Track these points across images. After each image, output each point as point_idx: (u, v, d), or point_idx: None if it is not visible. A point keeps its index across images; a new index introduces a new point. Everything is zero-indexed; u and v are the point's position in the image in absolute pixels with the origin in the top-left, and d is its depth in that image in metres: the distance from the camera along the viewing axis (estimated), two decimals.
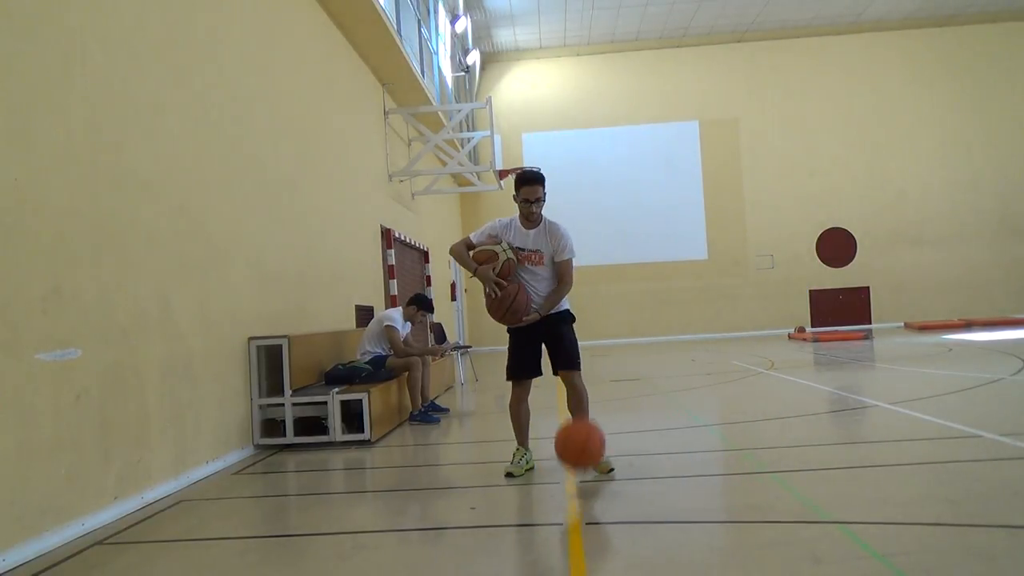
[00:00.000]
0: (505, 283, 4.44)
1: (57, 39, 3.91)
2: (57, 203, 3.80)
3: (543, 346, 4.61)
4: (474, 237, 4.68)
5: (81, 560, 3.42)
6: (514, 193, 4.58)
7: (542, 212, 4.61)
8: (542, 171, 4.71)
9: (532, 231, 4.58)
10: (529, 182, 4.53)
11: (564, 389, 4.66)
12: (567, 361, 4.56)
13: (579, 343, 4.66)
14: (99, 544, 3.64)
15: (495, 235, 4.63)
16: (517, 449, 4.65)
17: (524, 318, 4.47)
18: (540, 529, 3.57)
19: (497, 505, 4.13)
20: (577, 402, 4.57)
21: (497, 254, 4.49)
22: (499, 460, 5.12)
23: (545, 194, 4.57)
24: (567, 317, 4.66)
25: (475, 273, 4.52)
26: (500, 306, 4.45)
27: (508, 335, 4.67)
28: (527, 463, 4.62)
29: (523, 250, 4.54)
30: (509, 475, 4.48)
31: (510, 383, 4.69)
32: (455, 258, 4.70)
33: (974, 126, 21.17)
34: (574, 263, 4.62)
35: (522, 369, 4.60)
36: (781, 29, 21.20)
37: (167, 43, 5.07)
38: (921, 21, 21.14)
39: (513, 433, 4.71)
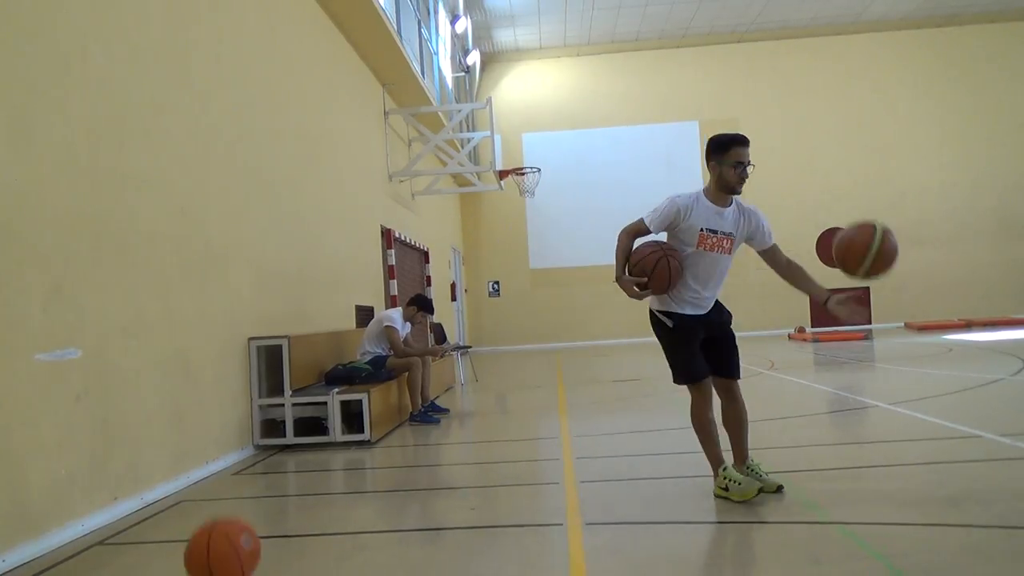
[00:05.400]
0: (644, 280, 3.66)
1: (58, 39, 3.91)
2: (57, 203, 3.80)
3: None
4: (648, 219, 3.79)
5: (81, 560, 3.42)
6: (714, 161, 3.73)
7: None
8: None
9: (727, 210, 3.77)
10: (740, 142, 3.71)
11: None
12: (736, 368, 3.95)
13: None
14: (99, 544, 3.64)
15: (670, 220, 3.75)
16: (723, 468, 3.79)
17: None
18: (540, 529, 3.56)
19: (497, 505, 4.13)
20: (738, 420, 3.94)
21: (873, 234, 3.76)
22: (499, 460, 5.13)
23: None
24: (728, 315, 4.03)
25: (619, 279, 3.76)
26: (658, 285, 3.68)
27: (668, 332, 3.85)
28: (751, 481, 3.72)
29: (714, 233, 3.73)
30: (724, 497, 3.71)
31: (687, 387, 3.88)
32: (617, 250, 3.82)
33: (974, 126, 21.16)
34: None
35: (702, 367, 3.81)
36: (781, 29, 21.20)
37: (168, 43, 5.07)
38: (921, 21, 21.13)
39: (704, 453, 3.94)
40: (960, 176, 21.13)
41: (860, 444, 5.44)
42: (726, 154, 3.69)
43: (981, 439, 4.87)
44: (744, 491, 3.63)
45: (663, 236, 3.88)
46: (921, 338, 15.58)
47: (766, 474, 3.86)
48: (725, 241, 3.76)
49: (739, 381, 3.99)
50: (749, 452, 3.96)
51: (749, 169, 3.73)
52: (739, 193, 3.79)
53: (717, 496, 3.74)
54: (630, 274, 3.71)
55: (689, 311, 3.81)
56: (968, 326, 18.00)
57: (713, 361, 3.88)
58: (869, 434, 5.80)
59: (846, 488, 4.01)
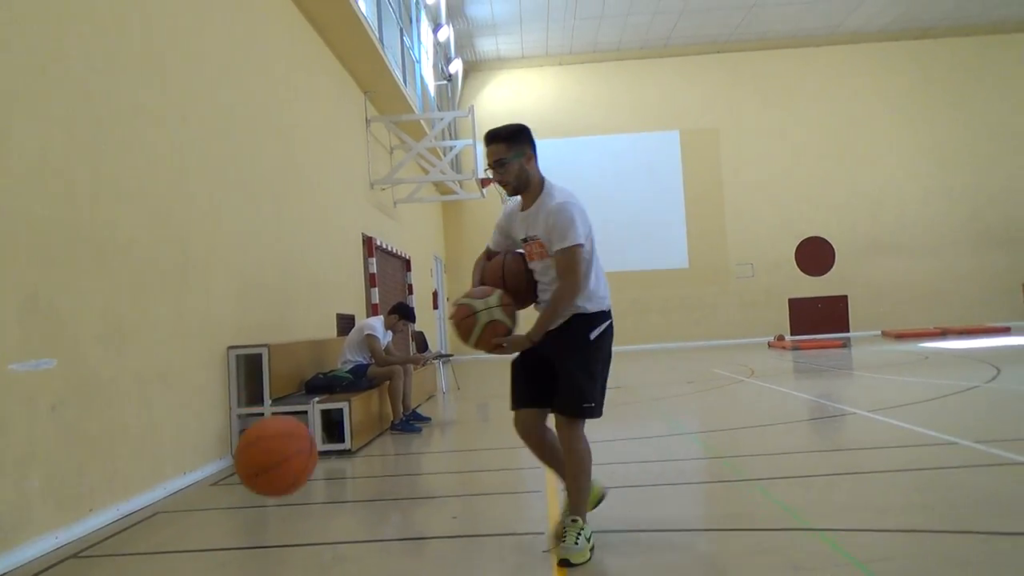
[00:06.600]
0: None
1: (34, 44, 3.87)
2: (33, 210, 3.74)
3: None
4: (491, 242, 3.48)
5: (54, 574, 3.36)
6: None
7: (544, 183, 3.25)
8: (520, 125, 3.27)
9: (530, 211, 3.24)
10: (486, 141, 3.23)
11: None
12: (560, 401, 3.19)
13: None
14: (73, 557, 3.58)
15: (500, 230, 3.42)
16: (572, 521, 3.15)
17: (496, 342, 3.20)
18: (522, 538, 3.55)
19: (479, 514, 4.11)
20: (568, 465, 3.20)
21: (475, 315, 3.18)
22: (481, 469, 5.11)
23: (526, 156, 3.20)
24: (579, 333, 3.18)
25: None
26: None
27: None
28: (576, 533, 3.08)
29: (525, 240, 3.27)
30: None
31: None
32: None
33: (950, 137, 21.53)
34: (586, 251, 3.13)
35: (516, 395, 3.36)
36: (761, 40, 21.46)
37: (146, 49, 5.03)
38: (897, 34, 21.50)
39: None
40: (936, 186, 21.48)
41: (839, 451, 5.49)
42: None
43: (957, 446, 4.93)
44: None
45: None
46: (898, 346, 15.77)
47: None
48: (535, 246, 3.22)
49: (590, 420, 3.18)
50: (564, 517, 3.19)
51: (513, 167, 3.18)
52: (512, 195, 3.30)
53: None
54: None
55: None
56: (944, 334, 18.25)
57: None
58: (847, 441, 5.85)
59: (825, 495, 4.04)
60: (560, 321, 3.20)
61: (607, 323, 3.24)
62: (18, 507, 3.50)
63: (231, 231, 6.18)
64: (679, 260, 21.46)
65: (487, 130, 3.25)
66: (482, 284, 3.36)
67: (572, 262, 3.10)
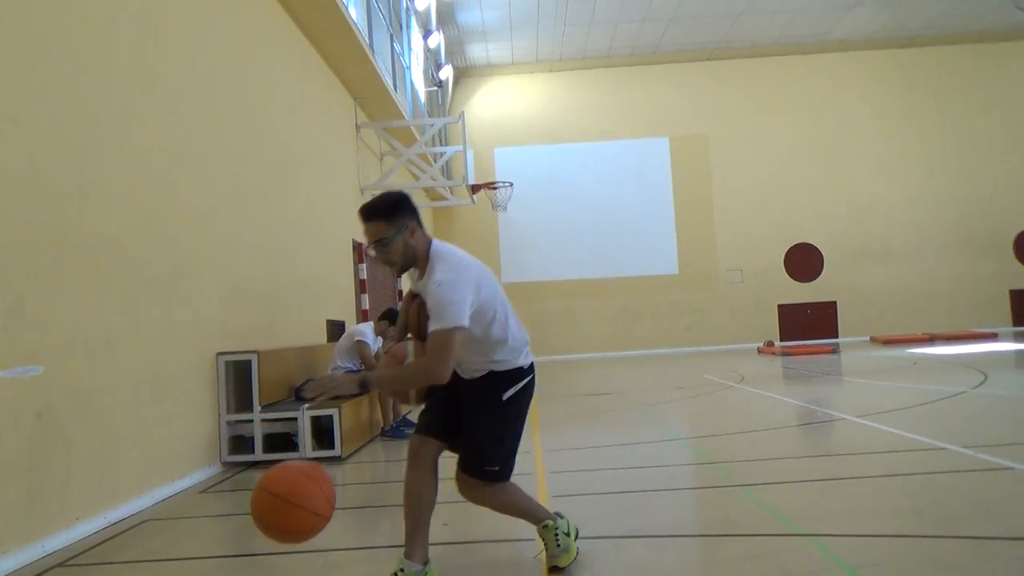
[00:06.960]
0: None
1: (21, 46, 3.84)
2: (20, 215, 3.72)
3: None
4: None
5: None
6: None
7: (429, 253, 2.86)
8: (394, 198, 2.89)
9: (420, 282, 2.92)
10: (363, 218, 2.86)
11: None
12: (462, 458, 2.98)
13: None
14: (60, 566, 3.54)
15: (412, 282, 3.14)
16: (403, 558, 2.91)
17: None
18: (513, 545, 3.55)
19: (469, 521, 4.10)
20: (501, 511, 3.14)
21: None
22: None
23: (409, 229, 2.82)
24: (492, 393, 2.94)
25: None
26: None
27: None
28: None
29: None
30: None
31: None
32: None
33: (935, 144, 21.73)
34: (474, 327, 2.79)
35: (422, 422, 3.06)
36: (749, 48, 21.60)
37: (136, 53, 5.02)
38: (883, 42, 21.70)
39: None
40: (924, 192, 21.66)
41: (829, 456, 5.51)
42: None
43: (945, 451, 4.96)
44: None
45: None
46: (886, 351, 15.86)
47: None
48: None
49: (499, 483, 2.97)
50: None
51: (396, 246, 2.82)
52: (400, 274, 3.01)
53: None
54: None
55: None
56: (932, 340, 18.37)
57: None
58: (837, 446, 5.87)
59: (816, 500, 4.06)
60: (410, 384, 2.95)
61: (525, 381, 2.98)
62: (2, 515, 3.47)
63: (221, 236, 6.16)
64: (669, 266, 21.53)
65: (361, 205, 2.87)
66: (405, 330, 3.05)
67: (438, 346, 2.69)
